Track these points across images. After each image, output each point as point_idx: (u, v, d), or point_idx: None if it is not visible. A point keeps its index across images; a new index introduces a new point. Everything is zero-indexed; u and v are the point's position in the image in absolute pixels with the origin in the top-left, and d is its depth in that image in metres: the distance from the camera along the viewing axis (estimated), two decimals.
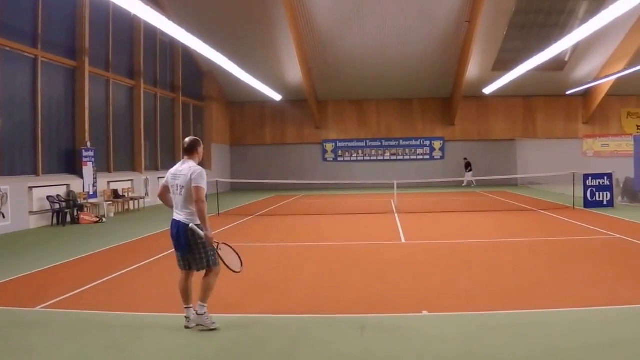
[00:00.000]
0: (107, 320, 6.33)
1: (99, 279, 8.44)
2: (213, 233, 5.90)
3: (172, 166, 6.13)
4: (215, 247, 5.89)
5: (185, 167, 5.90)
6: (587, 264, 9.21)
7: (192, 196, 5.78)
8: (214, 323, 5.81)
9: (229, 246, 6.03)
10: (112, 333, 5.85)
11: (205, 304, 5.81)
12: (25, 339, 5.70)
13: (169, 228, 6.01)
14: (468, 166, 32.58)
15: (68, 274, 9.16)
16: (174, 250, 6.04)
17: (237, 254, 6.02)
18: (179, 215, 5.89)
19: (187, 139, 6.17)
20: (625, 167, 20.13)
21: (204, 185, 5.81)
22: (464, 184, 32.08)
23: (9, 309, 6.92)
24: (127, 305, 6.99)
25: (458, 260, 9.76)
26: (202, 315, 5.79)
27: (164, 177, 6.30)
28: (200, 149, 6.12)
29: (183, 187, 5.82)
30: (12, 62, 15.90)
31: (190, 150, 6.05)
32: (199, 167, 5.92)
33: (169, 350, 5.33)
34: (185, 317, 5.91)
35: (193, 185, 5.77)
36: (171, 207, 6.08)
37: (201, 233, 5.79)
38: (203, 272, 5.96)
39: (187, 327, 5.86)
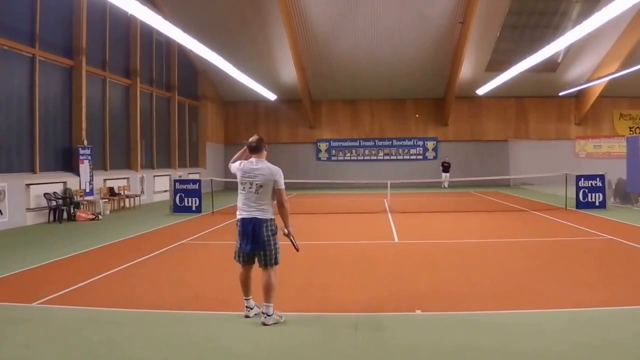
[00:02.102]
0: (103, 317, 6.39)
1: (94, 276, 8.53)
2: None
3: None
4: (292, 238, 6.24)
5: (264, 167, 6.05)
6: (578, 265, 9.30)
7: (270, 195, 6.04)
8: (281, 316, 6.05)
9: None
10: (108, 329, 5.91)
11: (271, 304, 5.99)
12: (22, 335, 5.76)
13: (239, 226, 6.12)
14: (445, 164, 32.35)
15: (64, 271, 9.25)
16: (239, 244, 6.14)
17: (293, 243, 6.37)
18: (253, 212, 6.03)
19: (252, 139, 6.23)
20: (617, 168, 20.19)
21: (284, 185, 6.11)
22: (445, 185, 31.95)
23: (6, 305, 6.98)
24: (123, 302, 7.05)
25: (451, 260, 9.85)
26: (272, 315, 5.96)
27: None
28: (266, 147, 6.28)
29: (262, 185, 6.00)
30: (9, 61, 15.96)
31: (258, 149, 6.16)
32: (278, 168, 6.11)
33: (164, 347, 5.39)
34: (247, 307, 6.19)
35: (278, 187, 6.02)
36: None
37: (285, 230, 6.12)
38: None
39: (247, 317, 6.16)
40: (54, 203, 16.60)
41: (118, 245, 12.11)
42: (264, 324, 5.91)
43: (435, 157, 34.16)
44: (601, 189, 18.31)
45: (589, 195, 18.24)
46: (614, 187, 19.79)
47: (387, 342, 5.46)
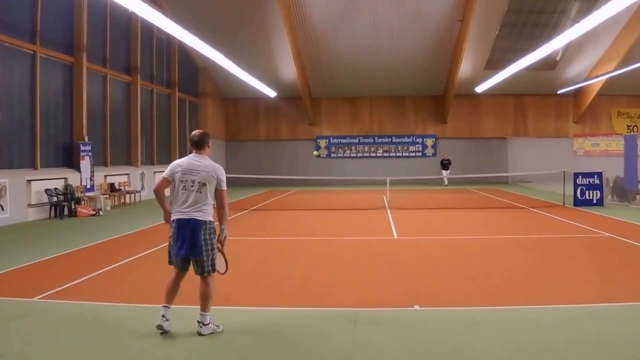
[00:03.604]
0: (103, 311, 6.43)
1: (95, 271, 8.59)
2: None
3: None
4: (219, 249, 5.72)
5: (207, 164, 5.62)
6: (576, 262, 9.32)
7: (211, 195, 5.60)
8: (218, 326, 5.60)
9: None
10: (108, 324, 5.94)
11: (208, 313, 5.54)
12: (22, 329, 5.79)
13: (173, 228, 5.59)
14: (445, 161, 32.02)
15: (65, 266, 9.32)
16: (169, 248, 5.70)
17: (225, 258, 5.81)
18: (192, 213, 5.51)
19: (195, 132, 5.78)
20: (615, 166, 20.18)
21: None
22: (445, 182, 31.82)
23: (7, 299, 7.02)
24: (124, 297, 7.12)
25: (449, 256, 9.90)
26: (209, 324, 5.51)
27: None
28: (210, 143, 5.81)
29: (205, 184, 5.54)
30: (11, 58, 16.03)
31: (201, 144, 5.70)
32: (221, 167, 5.72)
33: (163, 342, 5.42)
34: (163, 316, 5.53)
35: (221, 188, 5.62)
36: (162, 202, 5.77)
37: (223, 234, 5.71)
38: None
39: (160, 327, 5.52)
40: (55, 199, 16.69)
41: (119, 240, 12.19)
42: (200, 334, 5.46)
43: (434, 154, 34.24)
44: (599, 187, 18.35)
45: (587, 192, 18.28)
46: (611, 185, 19.83)
47: (386, 336, 5.51)
